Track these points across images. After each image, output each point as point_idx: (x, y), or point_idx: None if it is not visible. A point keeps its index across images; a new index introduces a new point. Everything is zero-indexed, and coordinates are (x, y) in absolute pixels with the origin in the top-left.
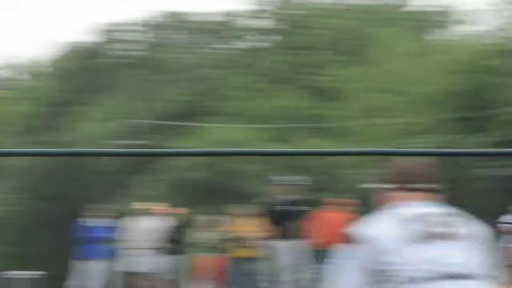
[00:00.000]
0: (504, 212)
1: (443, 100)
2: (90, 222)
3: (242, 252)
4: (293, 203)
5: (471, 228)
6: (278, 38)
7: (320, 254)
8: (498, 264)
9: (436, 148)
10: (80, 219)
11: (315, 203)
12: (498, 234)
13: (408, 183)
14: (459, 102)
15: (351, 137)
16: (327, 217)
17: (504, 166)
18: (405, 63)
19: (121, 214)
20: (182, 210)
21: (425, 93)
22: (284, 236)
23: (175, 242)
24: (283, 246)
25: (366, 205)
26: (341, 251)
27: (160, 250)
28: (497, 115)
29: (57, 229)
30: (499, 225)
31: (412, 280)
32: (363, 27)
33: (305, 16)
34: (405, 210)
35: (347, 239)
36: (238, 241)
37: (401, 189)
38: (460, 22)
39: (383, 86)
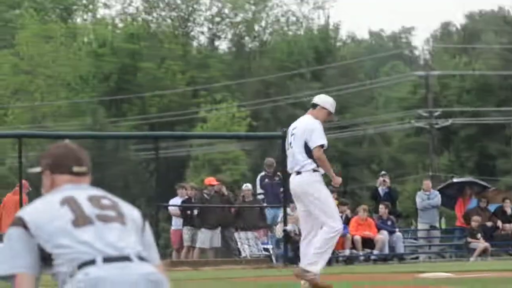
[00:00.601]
0: (171, 195)
1: (89, 83)
2: None
3: None
4: None
5: (127, 210)
6: None
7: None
8: (155, 246)
9: (84, 130)
10: None
11: None
12: (168, 216)
13: (65, 166)
14: (105, 85)
15: None
16: (5, 200)
17: (156, 149)
18: (49, 46)
19: None
20: None
21: (70, 76)
22: None
23: None
24: None
25: (35, 188)
26: (10, 234)
27: None
28: (141, 99)
29: None
30: (167, 207)
31: (77, 262)
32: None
33: None
34: (66, 194)
35: (15, 223)
36: None
37: (59, 172)
38: (104, 6)
39: (24, 69)
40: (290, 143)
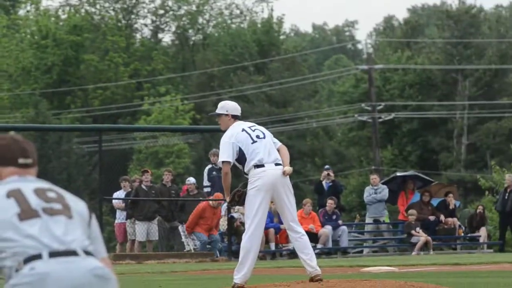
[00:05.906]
0: (114, 188)
1: (32, 75)
2: None
3: None
4: None
5: (73, 203)
6: None
7: None
8: (102, 239)
9: (27, 123)
10: None
11: None
12: (111, 209)
13: (10, 158)
14: (47, 77)
15: None
16: None
17: (99, 142)
18: None
19: None
20: None
21: (12, 68)
22: None
23: None
24: None
25: None
26: None
27: None
28: (84, 91)
29: None
30: (111, 200)
31: (22, 257)
32: None
33: None
34: (11, 186)
35: None
36: None
37: (4, 164)
38: None
39: None
40: (258, 136)
